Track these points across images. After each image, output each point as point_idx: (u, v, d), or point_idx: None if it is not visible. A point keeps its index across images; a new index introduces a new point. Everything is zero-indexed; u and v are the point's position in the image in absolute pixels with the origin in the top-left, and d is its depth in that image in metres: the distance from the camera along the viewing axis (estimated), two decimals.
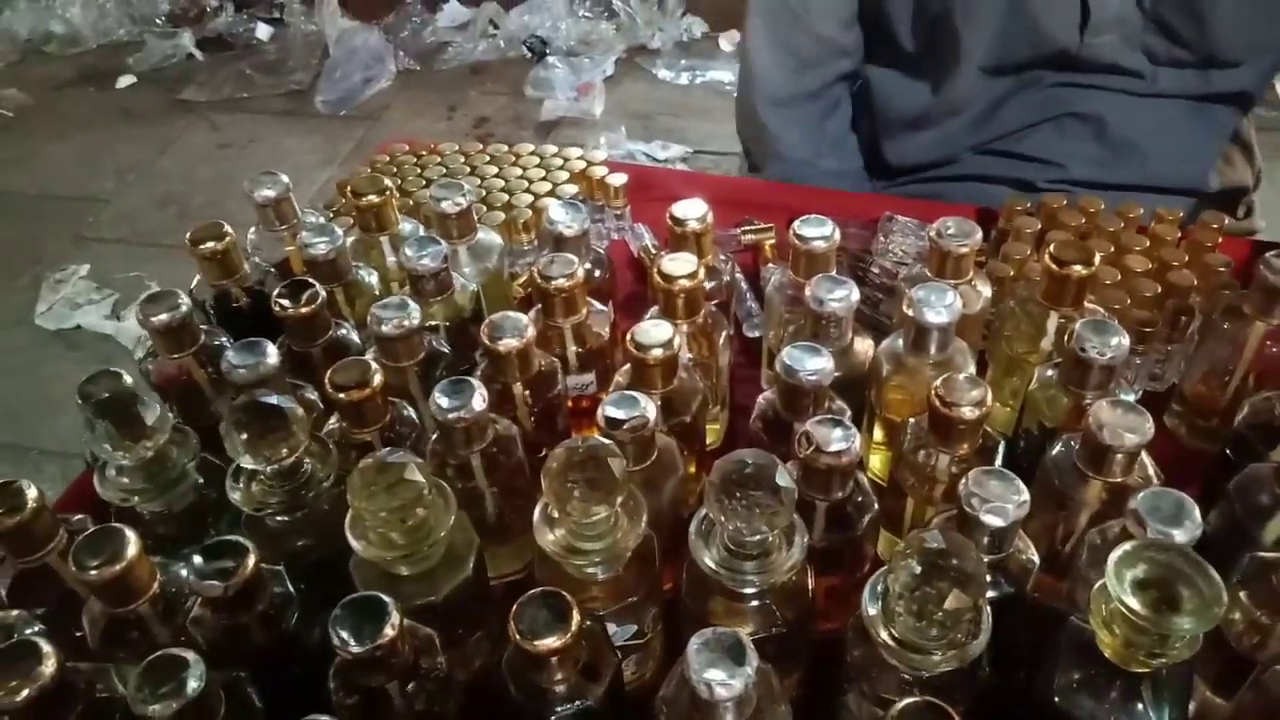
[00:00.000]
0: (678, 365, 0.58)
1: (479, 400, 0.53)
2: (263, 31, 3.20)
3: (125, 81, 3.05)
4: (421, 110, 2.89)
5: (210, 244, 0.66)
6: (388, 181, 0.70)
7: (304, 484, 0.53)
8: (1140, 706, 0.43)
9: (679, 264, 0.61)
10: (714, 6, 3.05)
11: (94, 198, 2.55)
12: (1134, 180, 0.98)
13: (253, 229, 0.74)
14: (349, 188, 0.77)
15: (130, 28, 3.22)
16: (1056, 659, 0.45)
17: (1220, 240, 0.75)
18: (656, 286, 0.61)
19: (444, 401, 0.53)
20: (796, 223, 0.64)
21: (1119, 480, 0.51)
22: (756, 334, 0.79)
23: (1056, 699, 0.44)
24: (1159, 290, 0.69)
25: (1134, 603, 0.39)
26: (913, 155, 1.06)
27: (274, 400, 0.51)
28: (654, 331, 0.57)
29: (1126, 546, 0.41)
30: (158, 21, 3.24)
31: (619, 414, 0.52)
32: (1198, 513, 0.47)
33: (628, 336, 0.57)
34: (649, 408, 0.53)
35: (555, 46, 3.03)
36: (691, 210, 0.67)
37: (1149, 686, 0.43)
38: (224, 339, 0.64)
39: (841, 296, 0.59)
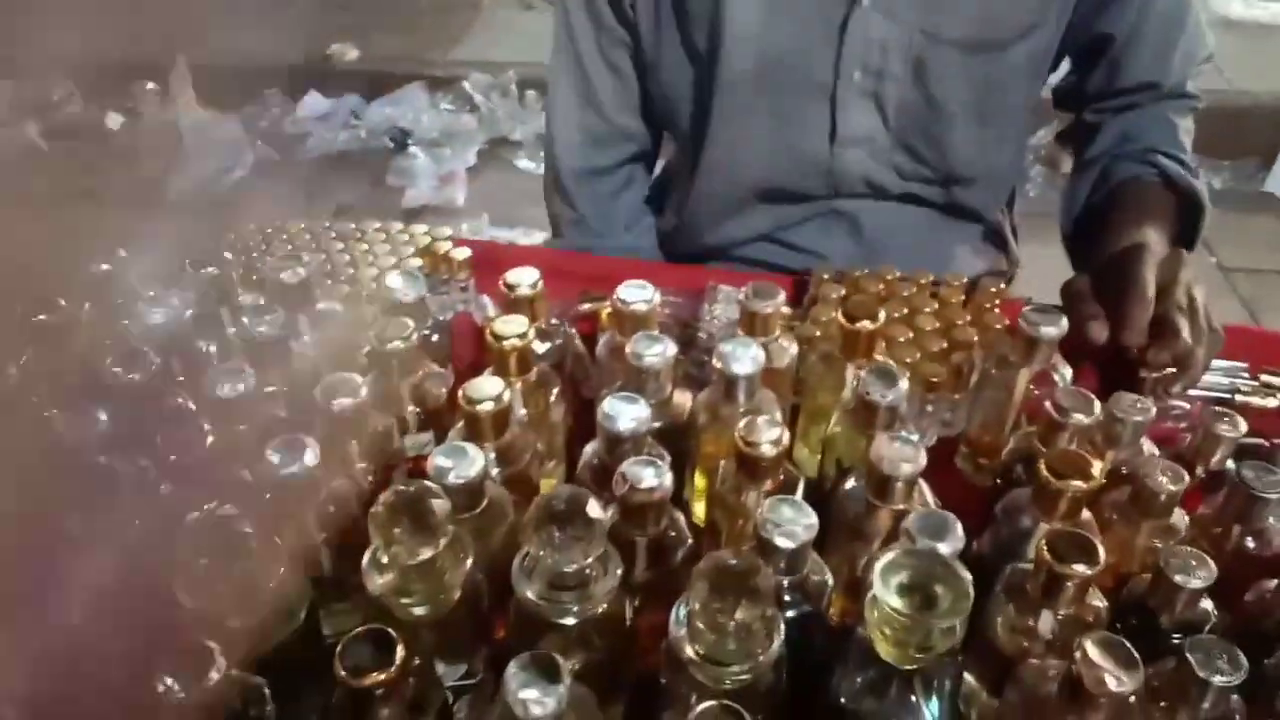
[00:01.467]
0: (509, 419, 0.62)
1: (310, 457, 0.56)
2: (113, 121, 3.14)
3: None
4: (280, 199, 2.88)
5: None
6: (227, 254, 0.72)
7: None
8: (914, 699, 0.48)
9: (510, 325, 0.65)
10: None
11: None
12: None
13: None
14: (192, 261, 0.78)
15: None
16: (845, 665, 0.50)
17: (998, 302, 0.85)
18: (489, 346, 0.65)
19: (276, 459, 0.55)
20: (620, 287, 0.70)
21: (900, 507, 0.57)
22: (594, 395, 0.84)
23: (843, 700, 0.49)
24: (945, 345, 0.78)
25: (895, 602, 0.45)
26: (701, 240, 1.17)
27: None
28: (485, 386, 0.60)
29: (890, 555, 0.47)
30: None
31: (447, 462, 0.55)
32: (960, 529, 0.53)
33: (460, 391, 0.60)
34: (478, 457, 0.56)
35: (417, 138, 3.09)
36: (524, 277, 0.72)
37: (920, 681, 0.48)
38: None
39: (658, 351, 0.64)
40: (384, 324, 0.65)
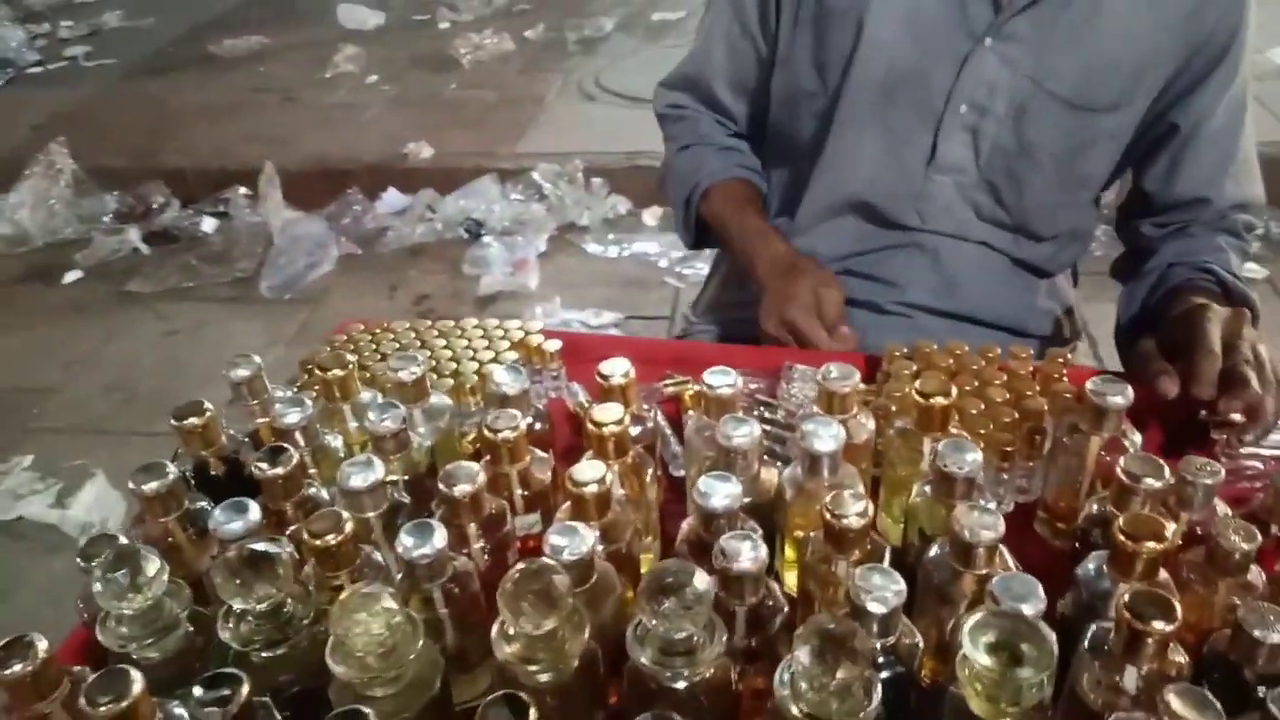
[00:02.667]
0: (610, 499, 0.68)
1: (439, 539, 0.62)
2: (208, 225, 3.36)
3: (72, 276, 3.15)
4: (363, 291, 3.04)
5: (192, 420, 0.75)
6: (349, 357, 0.80)
7: (287, 622, 0.60)
8: None
9: (607, 412, 0.71)
10: (635, 186, 3.31)
11: (40, 388, 2.60)
12: (961, 310, 1.16)
13: (227, 403, 0.82)
14: (313, 364, 0.87)
15: (78, 226, 3.35)
16: None
17: (1066, 371, 0.89)
18: (589, 433, 0.71)
19: (409, 541, 0.61)
20: (706, 374, 0.76)
21: (983, 572, 0.61)
22: (681, 473, 0.89)
23: None
24: (1016, 416, 0.81)
25: (985, 660, 0.49)
26: None
27: (263, 546, 0.59)
28: (588, 470, 0.66)
29: (977, 616, 0.51)
30: (105, 220, 3.38)
31: (562, 541, 0.61)
32: (1041, 590, 0.57)
33: (566, 475, 0.66)
34: (587, 536, 0.62)
35: (490, 227, 3.23)
36: (616, 367, 0.78)
37: None
38: (204, 503, 0.72)
39: (745, 433, 0.70)
40: (494, 415, 0.71)
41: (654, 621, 0.54)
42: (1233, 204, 1.09)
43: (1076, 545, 0.70)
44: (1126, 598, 0.55)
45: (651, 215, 3.29)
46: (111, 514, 2.16)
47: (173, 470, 0.69)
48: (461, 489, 0.66)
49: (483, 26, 4.64)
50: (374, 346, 0.97)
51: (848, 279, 1.19)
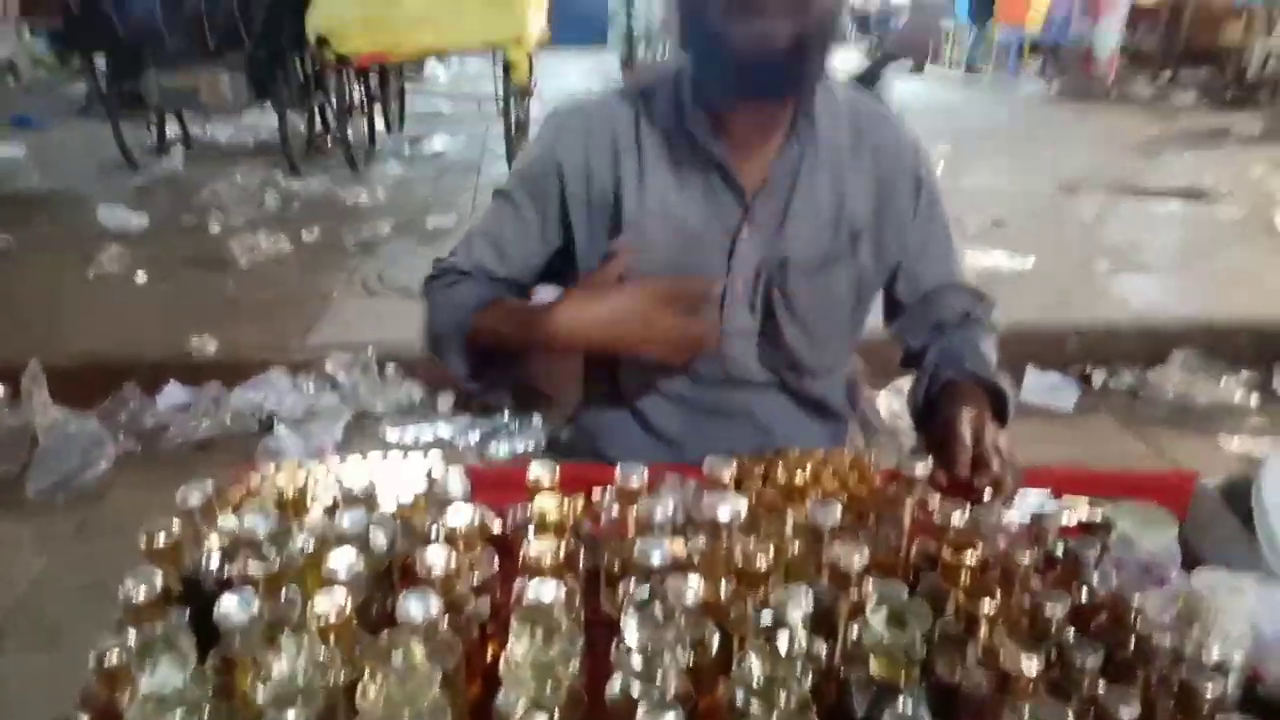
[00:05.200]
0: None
1: (434, 605, 0.73)
2: None
3: None
4: (149, 486, 2.89)
5: (162, 540, 0.82)
6: (304, 480, 0.90)
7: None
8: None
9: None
10: (428, 373, 3.45)
11: None
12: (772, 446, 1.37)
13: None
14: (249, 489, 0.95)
15: None
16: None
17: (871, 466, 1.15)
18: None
19: (413, 605, 0.72)
20: (618, 470, 0.93)
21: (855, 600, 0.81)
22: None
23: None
24: (846, 498, 1.05)
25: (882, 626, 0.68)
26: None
27: (296, 622, 0.68)
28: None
29: (874, 598, 0.70)
30: None
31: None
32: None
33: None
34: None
35: (283, 418, 3.22)
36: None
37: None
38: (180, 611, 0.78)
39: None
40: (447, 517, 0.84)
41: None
42: (963, 284, 1.43)
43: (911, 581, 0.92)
44: (962, 594, 0.77)
45: (445, 400, 3.43)
46: None
47: (157, 578, 0.76)
48: (438, 568, 0.78)
49: (256, 229, 4.71)
50: (292, 481, 1.06)
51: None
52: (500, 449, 3.17)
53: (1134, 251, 4.63)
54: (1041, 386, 3.53)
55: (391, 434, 3.24)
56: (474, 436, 3.22)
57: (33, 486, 2.81)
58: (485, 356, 1.33)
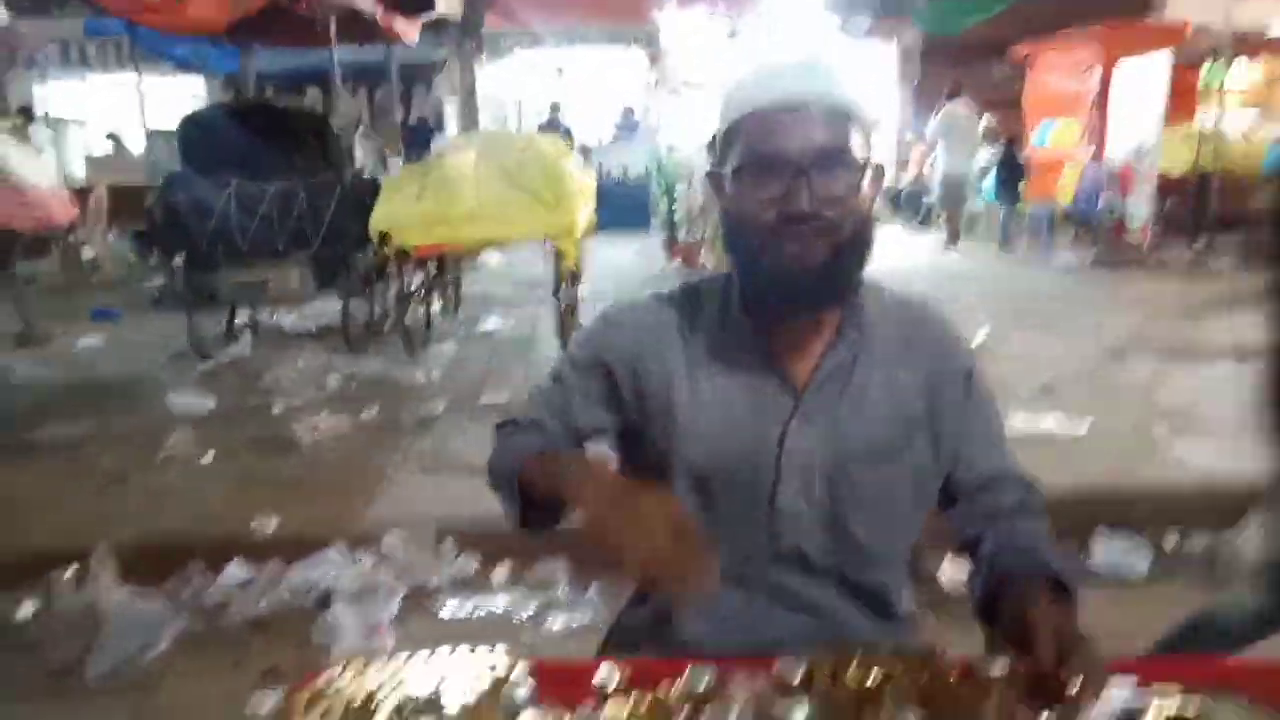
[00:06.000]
0: None
1: None
2: (25, 610, 3.14)
3: None
4: (203, 670, 2.89)
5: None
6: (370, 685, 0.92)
7: None
8: None
9: None
10: (484, 545, 3.46)
11: None
12: (832, 631, 1.35)
13: None
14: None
15: None
16: None
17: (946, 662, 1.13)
18: None
19: None
20: (686, 673, 0.93)
21: None
22: None
23: None
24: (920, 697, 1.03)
25: None
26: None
27: None
28: None
29: None
30: None
31: None
32: None
33: None
34: None
35: (339, 594, 3.23)
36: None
37: None
38: None
39: None
40: None
41: None
42: (1016, 474, 1.43)
43: None
44: None
45: (501, 573, 3.42)
46: None
47: None
48: None
49: (318, 410, 4.87)
50: (358, 686, 1.07)
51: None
52: (556, 622, 3.13)
53: (1191, 414, 4.58)
54: (1112, 551, 3.43)
55: (446, 609, 3.22)
56: (528, 610, 3.19)
57: (93, 670, 2.82)
58: (536, 503, 1.33)
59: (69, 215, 7.38)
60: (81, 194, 8.86)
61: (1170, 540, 3.53)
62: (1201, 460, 3.95)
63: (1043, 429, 4.28)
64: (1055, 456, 3.89)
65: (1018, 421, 4.16)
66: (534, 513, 1.35)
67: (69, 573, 3.22)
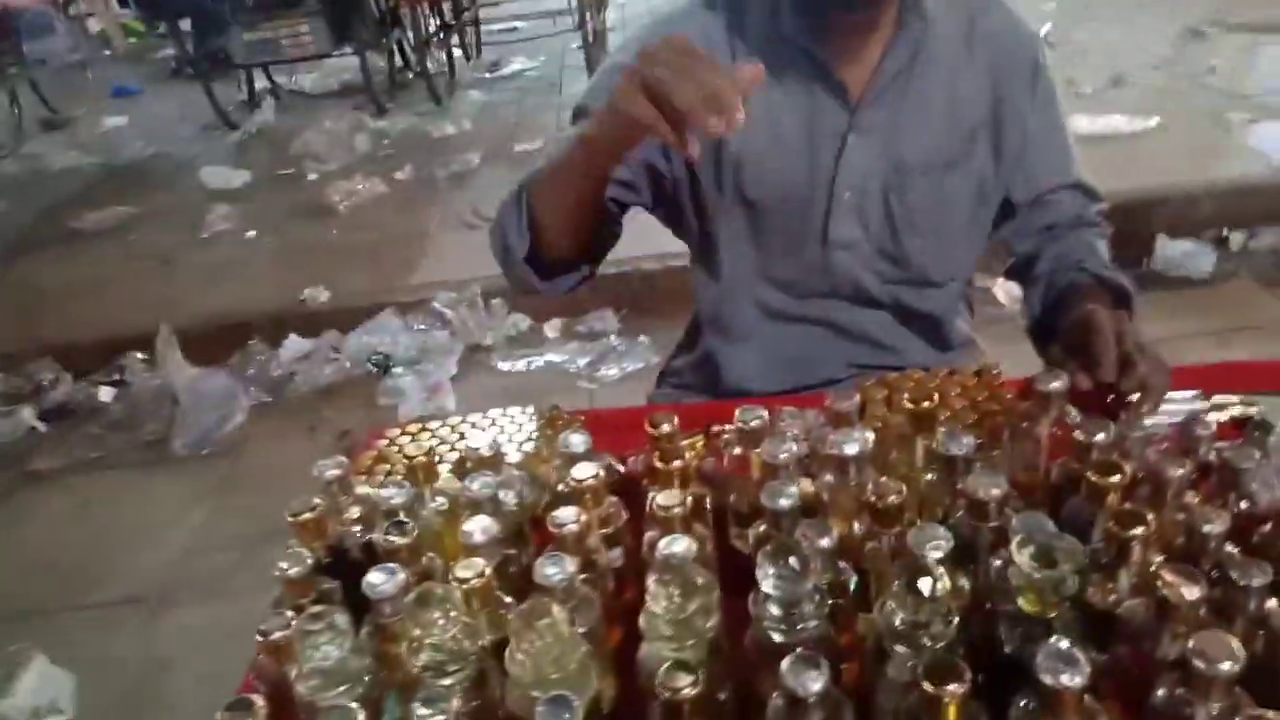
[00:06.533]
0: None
1: (570, 565, 0.74)
2: (105, 394, 3.31)
3: None
4: (282, 435, 3.05)
5: (305, 515, 0.85)
6: (430, 444, 0.92)
7: (458, 649, 0.71)
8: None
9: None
10: (532, 304, 3.48)
11: None
12: (889, 363, 1.33)
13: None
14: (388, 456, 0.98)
15: None
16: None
17: (1001, 378, 1.10)
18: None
19: (550, 570, 0.73)
20: (738, 411, 0.91)
21: (996, 523, 0.78)
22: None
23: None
24: (975, 416, 1.01)
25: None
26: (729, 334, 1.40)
27: (441, 590, 0.70)
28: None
29: (1019, 536, 0.68)
30: None
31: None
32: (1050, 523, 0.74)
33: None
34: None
35: (398, 359, 3.32)
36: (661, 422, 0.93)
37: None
38: (329, 583, 0.82)
39: (787, 449, 0.85)
40: (577, 468, 0.85)
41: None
42: (1078, 183, 1.34)
43: (1053, 502, 0.88)
44: (1112, 515, 0.73)
45: (552, 328, 3.47)
46: (60, 693, 2.08)
47: (308, 556, 0.79)
48: (570, 528, 0.79)
49: (351, 174, 4.79)
50: (418, 444, 1.08)
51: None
52: (610, 371, 3.20)
53: (1272, 97, 4.25)
54: (1174, 254, 3.32)
55: (503, 365, 3.30)
56: (583, 361, 3.25)
57: (179, 443, 3.00)
58: (547, 233, 1.21)
59: None
60: None
61: (1236, 239, 3.40)
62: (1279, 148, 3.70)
63: (1106, 128, 4.02)
64: (1120, 158, 3.69)
65: (1082, 123, 3.91)
66: (545, 251, 1.22)
67: (139, 356, 3.35)
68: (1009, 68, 1.27)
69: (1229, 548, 0.76)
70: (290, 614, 0.73)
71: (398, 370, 3.24)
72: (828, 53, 1.21)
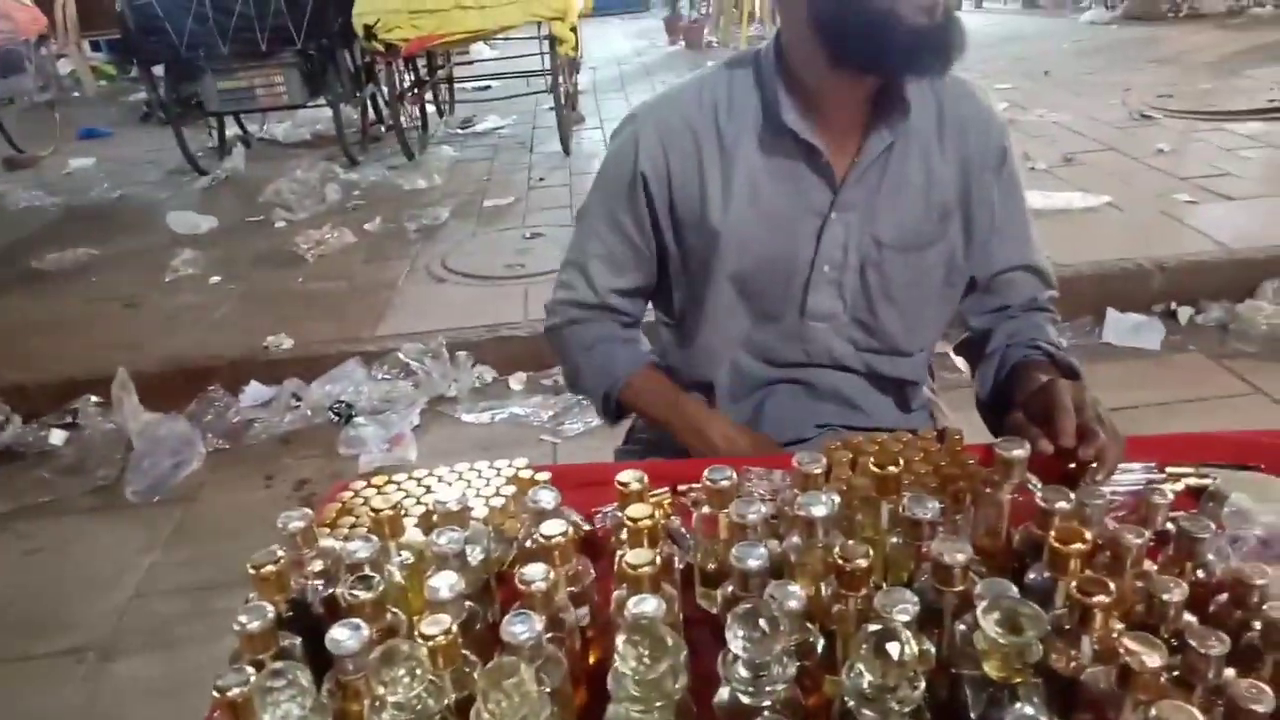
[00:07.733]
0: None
1: (538, 624, 0.74)
2: (56, 437, 3.23)
3: None
4: (237, 484, 2.99)
5: (268, 566, 0.84)
6: (396, 497, 0.91)
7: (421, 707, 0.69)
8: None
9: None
10: (498, 355, 3.48)
11: None
12: (858, 425, 1.38)
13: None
14: (351, 509, 0.97)
15: None
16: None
17: (963, 444, 1.12)
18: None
19: (517, 628, 0.73)
20: (706, 472, 0.92)
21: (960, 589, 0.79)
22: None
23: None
24: (938, 482, 1.02)
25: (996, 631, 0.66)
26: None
27: (406, 647, 0.69)
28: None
29: (985, 602, 0.69)
30: None
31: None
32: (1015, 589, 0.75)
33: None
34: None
35: (360, 408, 3.29)
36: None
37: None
38: (289, 639, 0.80)
39: (755, 510, 0.86)
40: (545, 524, 0.85)
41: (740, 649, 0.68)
42: (1034, 265, 1.39)
43: (1014, 567, 0.90)
44: (1077, 582, 0.74)
45: (517, 380, 3.46)
46: None
47: (269, 610, 0.78)
48: (538, 585, 0.79)
49: (320, 223, 4.79)
50: (384, 497, 1.07)
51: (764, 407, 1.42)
52: (574, 425, 3.19)
53: (1216, 179, 4.43)
54: (1124, 327, 3.41)
55: (467, 416, 3.28)
56: (546, 414, 3.24)
57: (130, 489, 2.93)
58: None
59: (38, 25, 7.00)
60: (47, 3, 8.35)
61: (1184, 313, 3.50)
62: (1223, 229, 3.84)
63: (1059, 204, 4.16)
64: (1072, 233, 3.80)
65: (1037, 199, 4.04)
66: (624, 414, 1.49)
67: (94, 399, 3.28)
68: (979, 154, 1.33)
69: (1187, 616, 0.78)
70: (249, 669, 0.72)
71: (359, 420, 3.20)
72: (816, 132, 1.26)
